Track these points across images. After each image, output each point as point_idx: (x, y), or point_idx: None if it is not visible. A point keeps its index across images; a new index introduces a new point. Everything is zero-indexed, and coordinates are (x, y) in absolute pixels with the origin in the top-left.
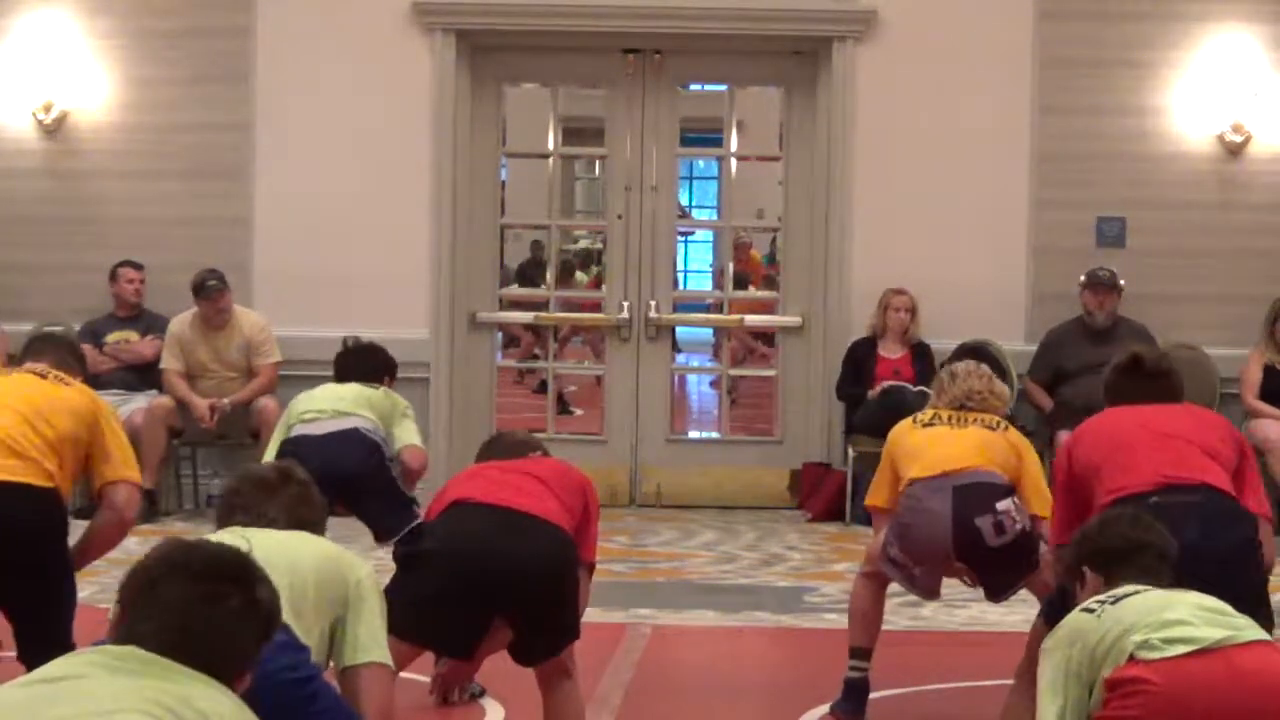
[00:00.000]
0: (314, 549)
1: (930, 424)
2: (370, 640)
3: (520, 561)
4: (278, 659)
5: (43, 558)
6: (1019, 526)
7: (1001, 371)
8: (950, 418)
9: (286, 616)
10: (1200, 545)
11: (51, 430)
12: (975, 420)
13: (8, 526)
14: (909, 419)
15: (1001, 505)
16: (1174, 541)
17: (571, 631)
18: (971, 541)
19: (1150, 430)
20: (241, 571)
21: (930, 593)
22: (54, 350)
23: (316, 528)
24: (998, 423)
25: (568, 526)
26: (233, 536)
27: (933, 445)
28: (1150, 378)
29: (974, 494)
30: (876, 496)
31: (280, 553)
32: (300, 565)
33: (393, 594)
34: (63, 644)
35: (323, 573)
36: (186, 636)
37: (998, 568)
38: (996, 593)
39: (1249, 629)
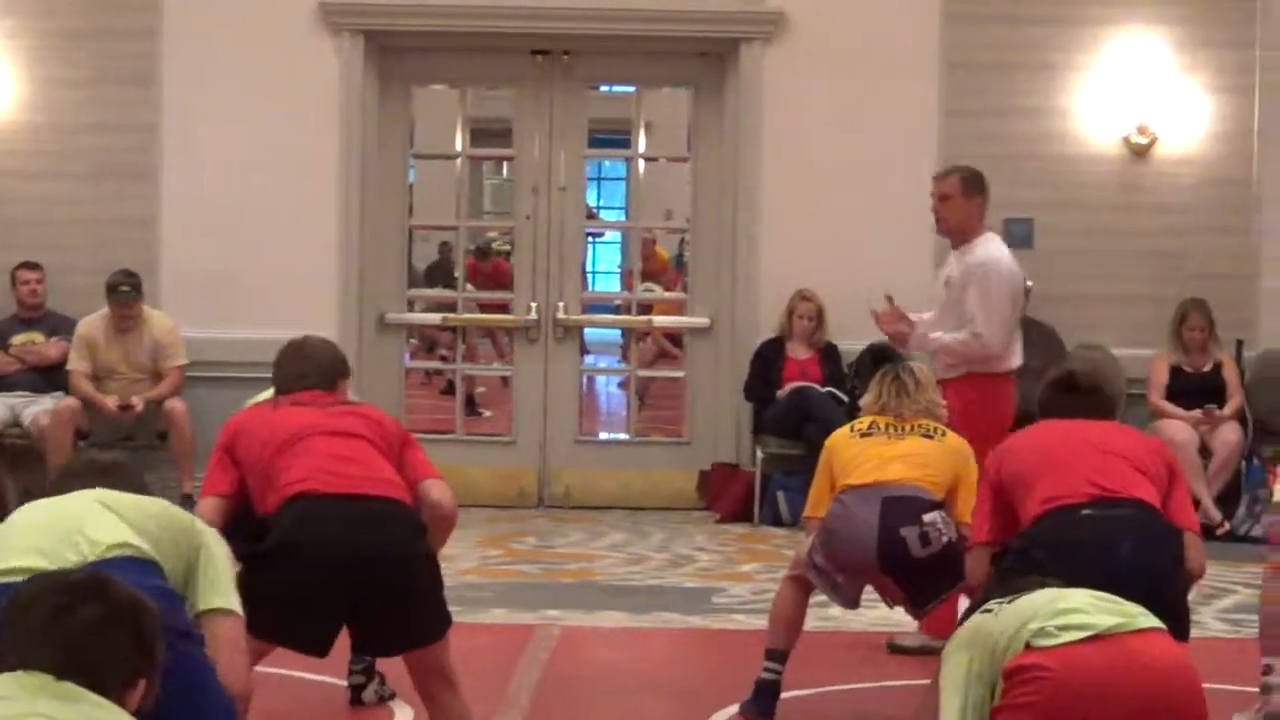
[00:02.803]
0: (152, 503)
1: (868, 433)
2: (221, 586)
3: (375, 552)
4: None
5: None
6: (945, 539)
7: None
8: (888, 426)
9: (151, 550)
10: (1131, 559)
11: None
12: (915, 428)
13: None
14: (846, 428)
15: (928, 517)
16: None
17: (440, 615)
18: (896, 552)
19: (1084, 443)
20: (92, 582)
21: (851, 602)
22: None
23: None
24: (935, 429)
25: (403, 492)
26: (93, 492)
27: (868, 455)
28: (1085, 394)
29: (901, 506)
30: (817, 508)
31: (128, 501)
32: (147, 509)
33: (245, 593)
34: None
35: (168, 520)
36: (58, 655)
37: (922, 579)
38: (920, 604)
39: (1142, 616)
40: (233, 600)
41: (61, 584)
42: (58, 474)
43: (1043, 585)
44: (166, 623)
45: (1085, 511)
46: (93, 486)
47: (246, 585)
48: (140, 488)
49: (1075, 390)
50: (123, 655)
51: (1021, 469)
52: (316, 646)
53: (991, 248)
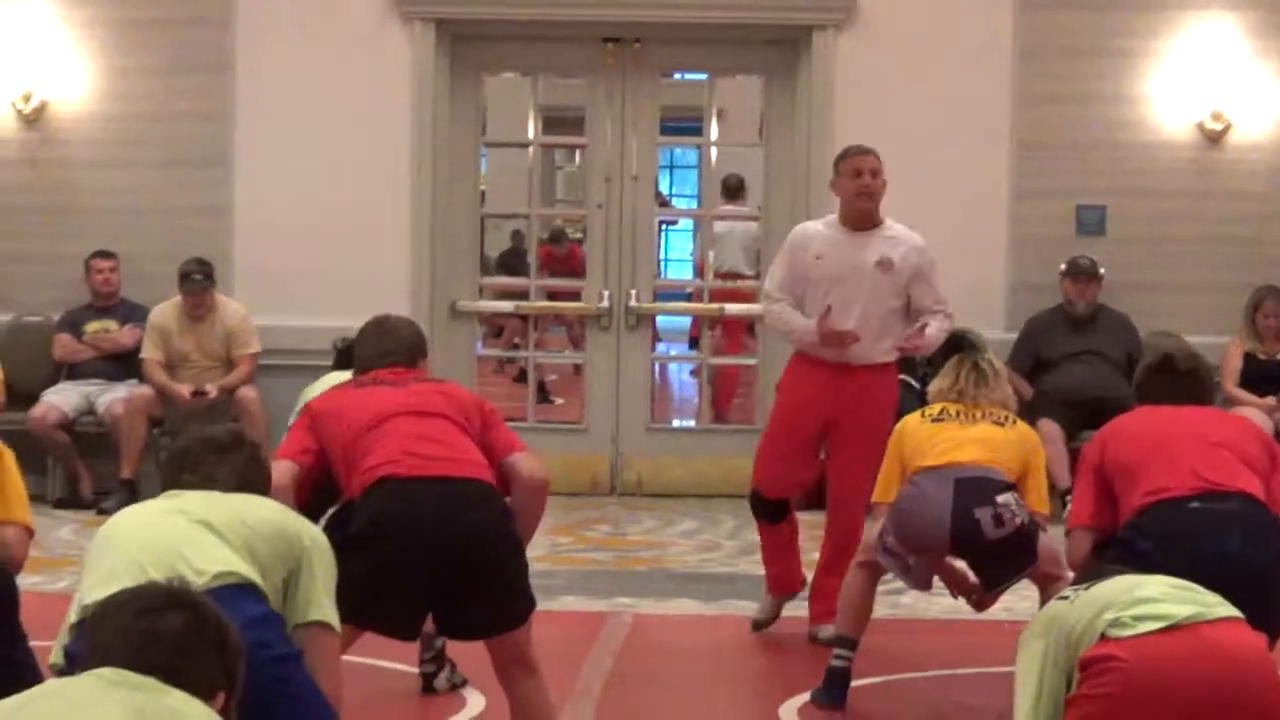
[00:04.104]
0: (262, 509)
1: (939, 419)
2: (317, 599)
3: (461, 534)
4: (256, 631)
5: None
6: (1018, 521)
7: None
8: (959, 413)
9: (252, 574)
10: (1240, 554)
11: None
12: (985, 415)
13: None
14: (917, 413)
15: (1001, 499)
16: None
17: (524, 597)
18: (970, 532)
19: (1189, 433)
20: (181, 594)
21: (924, 584)
22: None
23: (263, 490)
24: (1006, 417)
25: (487, 473)
26: (174, 501)
27: (941, 438)
28: (1182, 377)
29: (975, 486)
30: (886, 493)
31: (230, 514)
32: (251, 524)
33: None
34: (11, 636)
35: (273, 530)
36: (141, 653)
37: (995, 561)
38: (991, 586)
39: (1219, 606)
40: (328, 613)
41: (151, 591)
42: (174, 454)
43: (1120, 572)
44: (269, 648)
45: (1193, 504)
46: (213, 466)
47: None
48: (255, 461)
49: (1174, 373)
50: (206, 663)
51: (1126, 457)
52: (405, 630)
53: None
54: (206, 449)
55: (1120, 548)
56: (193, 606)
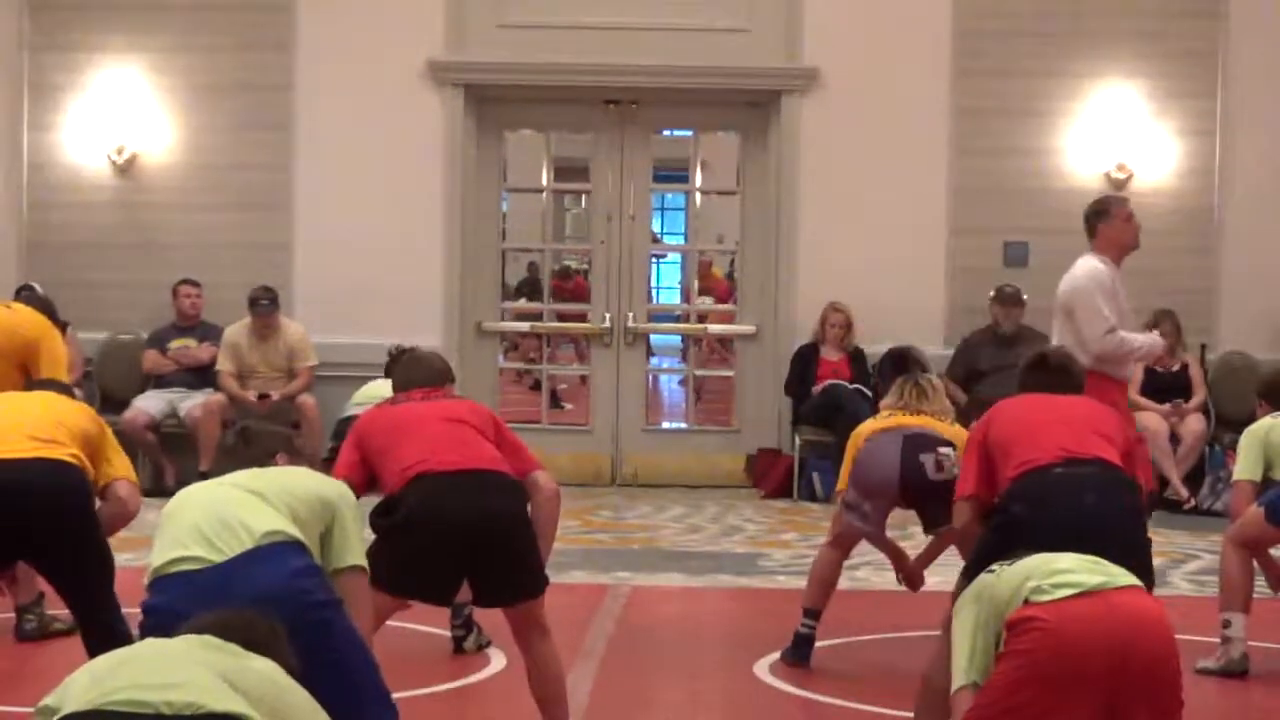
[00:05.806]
0: (302, 478)
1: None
2: (350, 546)
3: (489, 520)
4: (299, 580)
5: (77, 523)
6: (956, 471)
7: (925, 371)
8: (906, 418)
9: (297, 533)
10: (1095, 509)
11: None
12: (925, 416)
13: (47, 495)
14: (870, 419)
15: (943, 450)
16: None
17: (539, 572)
18: (915, 475)
19: (1056, 414)
20: (246, 607)
21: (877, 527)
22: (58, 385)
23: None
24: (943, 417)
25: (504, 465)
26: (225, 478)
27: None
28: (1053, 372)
29: (920, 439)
30: (846, 483)
31: (274, 484)
32: (292, 489)
33: (378, 557)
34: (110, 605)
35: (310, 494)
36: (221, 626)
37: (935, 502)
38: (930, 526)
39: (1122, 576)
40: (358, 556)
41: (226, 610)
42: (237, 434)
43: (1037, 552)
44: (310, 594)
45: (1056, 470)
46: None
47: (384, 552)
48: (275, 442)
49: (1047, 368)
50: (276, 637)
51: (1004, 435)
52: (442, 598)
53: None
54: (252, 439)
55: (1000, 513)
56: (257, 608)
